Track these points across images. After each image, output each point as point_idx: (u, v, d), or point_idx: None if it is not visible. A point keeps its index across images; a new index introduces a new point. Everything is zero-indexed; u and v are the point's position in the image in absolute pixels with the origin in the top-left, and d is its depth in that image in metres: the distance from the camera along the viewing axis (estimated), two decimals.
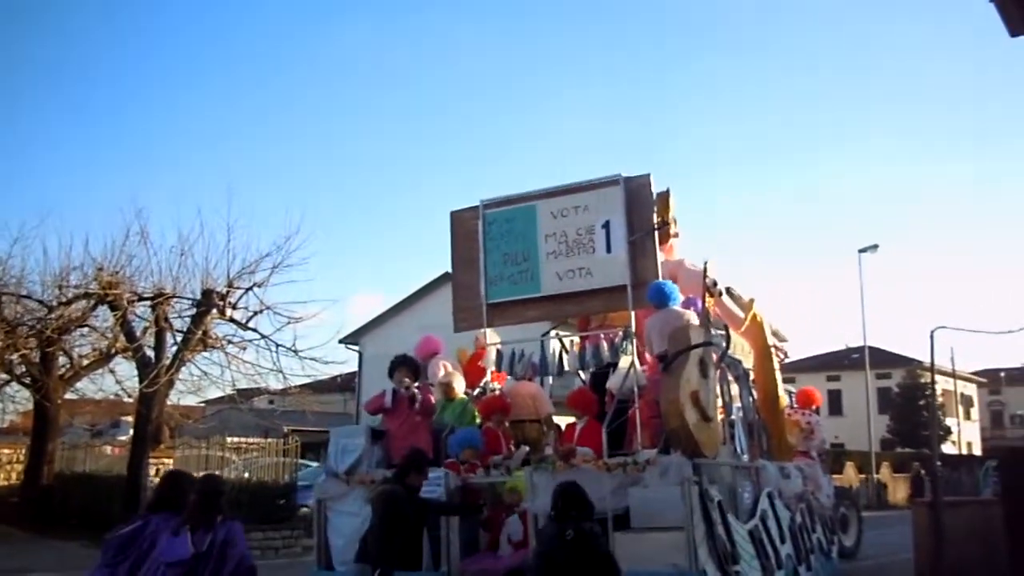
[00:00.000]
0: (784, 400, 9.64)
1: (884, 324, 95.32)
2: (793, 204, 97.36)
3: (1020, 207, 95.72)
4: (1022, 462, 12.58)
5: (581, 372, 9.24)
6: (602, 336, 8.73)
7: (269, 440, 21.02)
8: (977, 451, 55.87)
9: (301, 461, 21.63)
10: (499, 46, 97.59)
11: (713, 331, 7.68)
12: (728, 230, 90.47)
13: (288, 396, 21.94)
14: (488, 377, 8.86)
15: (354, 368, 35.99)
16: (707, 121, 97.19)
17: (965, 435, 58.75)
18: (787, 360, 10.98)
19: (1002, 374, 67.96)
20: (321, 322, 32.97)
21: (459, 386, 8.59)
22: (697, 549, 6.31)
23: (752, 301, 9.02)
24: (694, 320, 7.55)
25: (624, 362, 8.23)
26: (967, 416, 62.27)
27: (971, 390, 64.89)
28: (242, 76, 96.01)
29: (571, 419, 8.44)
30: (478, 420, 8.51)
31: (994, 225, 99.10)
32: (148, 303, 18.90)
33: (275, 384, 20.16)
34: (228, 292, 19.05)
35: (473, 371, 8.99)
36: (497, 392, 8.78)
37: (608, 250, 8.02)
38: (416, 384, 8.24)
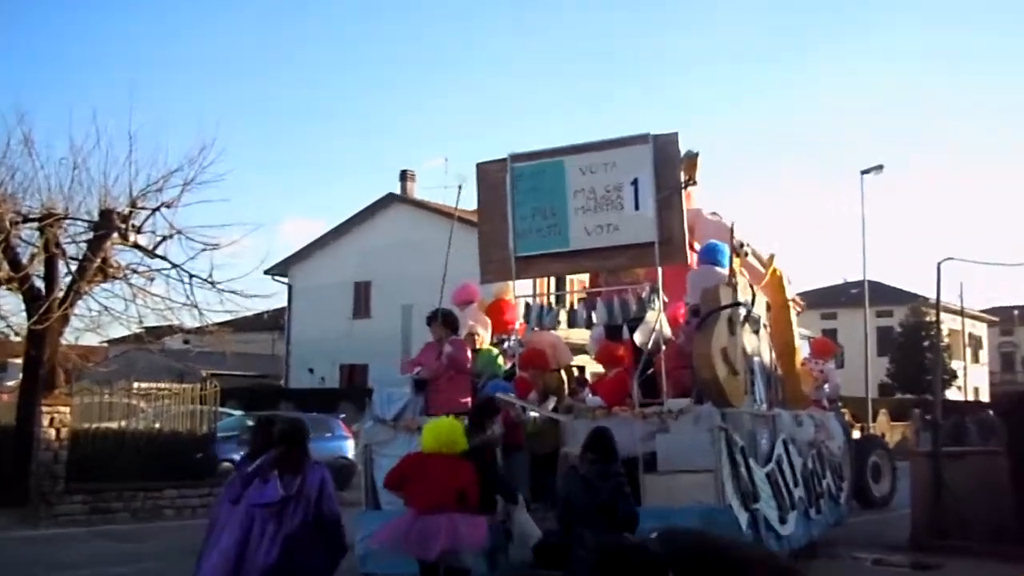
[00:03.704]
0: (802, 351, 12.59)
1: (887, 256, 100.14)
2: (784, 116, 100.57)
3: None
4: None
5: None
6: (629, 291, 11.28)
7: (184, 386, 22.27)
8: (985, 397, 60.71)
9: (221, 409, 23.18)
10: None
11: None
12: (709, 145, 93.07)
13: (205, 335, 23.16)
14: (517, 328, 11.42)
15: (283, 303, 37.38)
16: (685, 20, 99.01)
17: (972, 379, 63.37)
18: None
19: (1015, 312, 72.74)
20: (244, 249, 34.00)
21: (484, 338, 11.17)
22: (724, 488, 9.09)
23: (772, 257, 11.86)
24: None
25: (651, 316, 10.80)
26: (975, 359, 67.44)
27: (980, 330, 70.13)
28: None
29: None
30: (502, 369, 11.12)
31: (1013, 148, 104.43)
32: (35, 225, 19.39)
33: (189, 321, 21.45)
34: (131, 213, 19.74)
35: (497, 322, 11.56)
36: (516, 342, 11.25)
37: (636, 207, 10.46)
38: (450, 339, 10.62)
